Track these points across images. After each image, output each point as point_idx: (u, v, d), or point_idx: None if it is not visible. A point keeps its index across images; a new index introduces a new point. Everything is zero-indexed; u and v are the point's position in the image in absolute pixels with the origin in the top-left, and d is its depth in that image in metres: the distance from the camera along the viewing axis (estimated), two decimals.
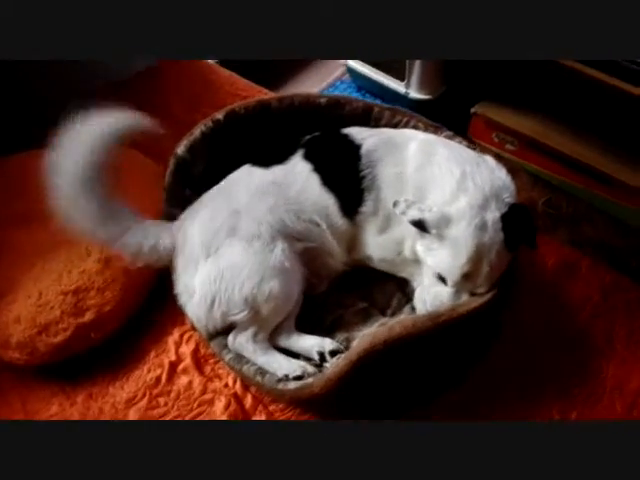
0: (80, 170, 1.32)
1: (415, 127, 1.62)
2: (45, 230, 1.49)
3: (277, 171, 1.46)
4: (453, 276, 1.31)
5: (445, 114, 1.79)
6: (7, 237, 1.62)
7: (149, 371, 1.50)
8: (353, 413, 1.36)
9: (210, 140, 1.63)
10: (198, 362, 1.51)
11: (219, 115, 1.65)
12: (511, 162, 1.90)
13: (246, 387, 1.46)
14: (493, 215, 1.30)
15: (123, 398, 1.46)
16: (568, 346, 1.52)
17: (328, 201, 1.44)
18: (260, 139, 1.64)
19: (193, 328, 1.49)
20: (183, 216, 1.47)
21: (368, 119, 1.67)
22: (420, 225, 1.30)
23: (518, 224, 1.32)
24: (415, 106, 2.06)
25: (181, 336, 1.55)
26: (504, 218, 1.31)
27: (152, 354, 1.53)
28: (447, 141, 1.52)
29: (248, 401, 1.44)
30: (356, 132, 1.50)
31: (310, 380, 1.30)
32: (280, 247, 1.38)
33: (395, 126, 1.64)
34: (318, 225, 1.44)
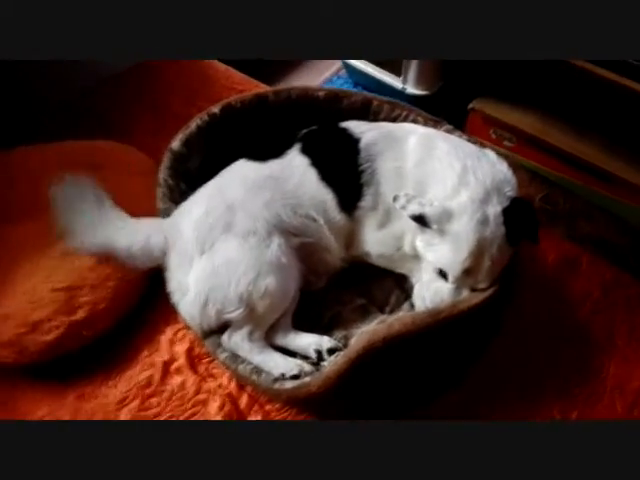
0: None
1: (414, 121, 1.61)
2: (39, 225, 1.47)
3: (274, 165, 1.44)
4: (454, 271, 1.30)
5: (442, 110, 1.78)
6: (1, 231, 1.60)
7: (141, 371, 1.47)
8: (351, 413, 1.34)
9: (206, 134, 1.61)
10: (192, 361, 1.48)
11: (215, 109, 1.63)
12: (508, 158, 1.88)
13: (241, 387, 1.43)
14: (495, 209, 1.29)
15: (115, 398, 1.43)
16: (569, 343, 1.52)
17: (326, 196, 1.42)
18: (257, 133, 1.62)
19: (187, 327, 1.46)
20: (177, 211, 1.45)
21: (367, 113, 1.65)
22: (421, 220, 1.29)
23: (520, 218, 1.31)
24: (412, 102, 2.02)
25: (174, 335, 1.52)
26: (506, 212, 1.30)
27: (145, 353, 1.50)
28: (447, 135, 1.51)
29: (243, 401, 1.42)
30: (354, 126, 1.48)
31: (307, 379, 1.28)
32: (276, 243, 1.35)
33: (394, 120, 1.63)
34: (315, 220, 1.42)
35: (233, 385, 1.43)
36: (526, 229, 1.33)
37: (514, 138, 1.97)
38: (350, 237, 1.47)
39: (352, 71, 2.33)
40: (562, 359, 1.49)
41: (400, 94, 2.13)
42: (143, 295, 1.57)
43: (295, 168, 1.42)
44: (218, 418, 1.38)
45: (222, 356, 1.36)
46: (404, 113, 1.64)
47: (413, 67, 2.07)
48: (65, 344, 1.44)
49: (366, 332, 1.29)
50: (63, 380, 1.47)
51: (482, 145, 1.50)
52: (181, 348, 1.49)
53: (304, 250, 1.42)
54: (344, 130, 1.47)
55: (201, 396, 1.42)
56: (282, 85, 2.31)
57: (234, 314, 1.33)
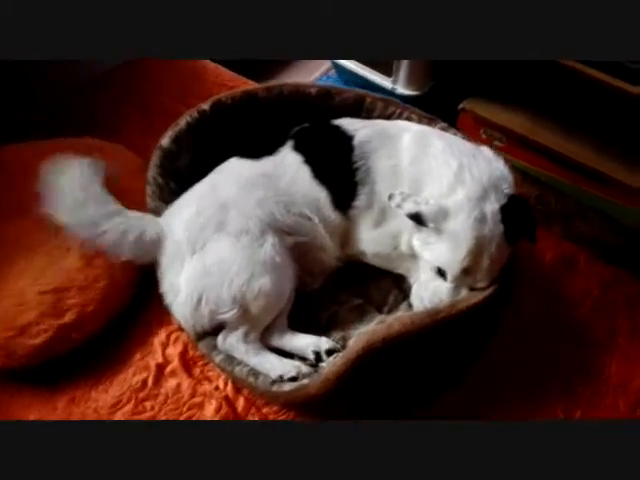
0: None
1: (408, 119, 1.61)
2: (29, 223, 1.45)
3: (266, 163, 1.43)
4: (453, 270, 1.29)
5: (433, 110, 1.77)
6: None
7: (134, 374, 1.44)
8: (349, 416, 1.33)
9: (196, 131, 1.59)
10: (186, 364, 1.45)
11: (205, 105, 1.61)
12: None
13: (238, 389, 1.41)
14: (492, 207, 1.29)
15: (107, 403, 1.40)
16: (569, 341, 1.51)
17: (319, 194, 1.41)
18: (248, 130, 1.60)
19: (180, 328, 1.44)
20: (168, 211, 1.43)
21: (360, 110, 1.64)
22: (417, 218, 1.28)
23: (518, 216, 1.31)
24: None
25: (168, 337, 1.50)
26: (504, 210, 1.29)
27: (137, 356, 1.47)
28: (442, 133, 1.51)
29: (240, 404, 1.39)
30: (348, 123, 1.47)
31: (305, 381, 1.26)
32: (270, 242, 1.34)
33: (388, 117, 1.62)
34: (309, 219, 1.41)
35: (229, 388, 1.41)
36: (524, 226, 1.33)
37: (504, 138, 1.97)
38: (345, 236, 1.46)
39: (342, 71, 2.32)
40: (563, 358, 1.48)
41: (390, 94, 2.10)
42: (135, 296, 1.54)
43: (288, 166, 1.41)
44: None
45: (217, 358, 1.34)
46: (398, 110, 1.63)
47: (403, 67, 2.06)
48: (54, 347, 1.41)
49: (365, 332, 1.28)
50: (53, 385, 1.43)
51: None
52: (175, 350, 1.47)
53: (298, 249, 1.41)
54: (337, 127, 1.46)
55: (197, 399, 1.40)
56: None
57: (228, 315, 1.32)
